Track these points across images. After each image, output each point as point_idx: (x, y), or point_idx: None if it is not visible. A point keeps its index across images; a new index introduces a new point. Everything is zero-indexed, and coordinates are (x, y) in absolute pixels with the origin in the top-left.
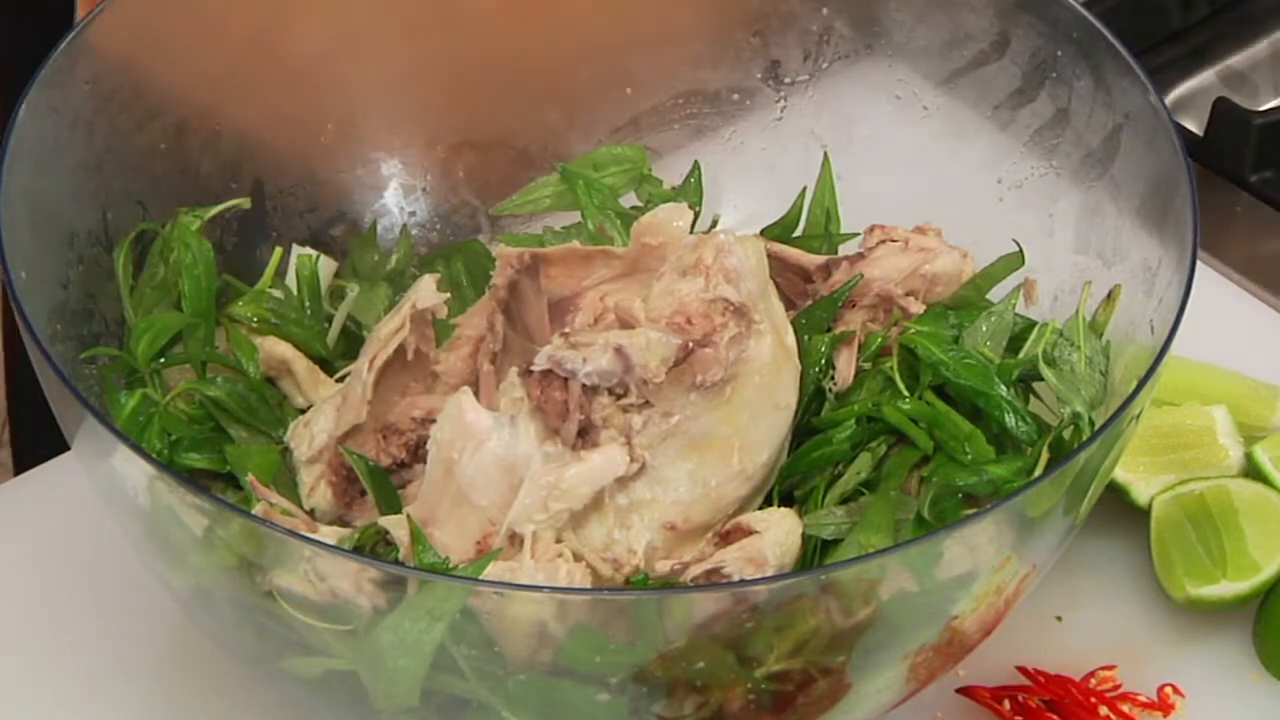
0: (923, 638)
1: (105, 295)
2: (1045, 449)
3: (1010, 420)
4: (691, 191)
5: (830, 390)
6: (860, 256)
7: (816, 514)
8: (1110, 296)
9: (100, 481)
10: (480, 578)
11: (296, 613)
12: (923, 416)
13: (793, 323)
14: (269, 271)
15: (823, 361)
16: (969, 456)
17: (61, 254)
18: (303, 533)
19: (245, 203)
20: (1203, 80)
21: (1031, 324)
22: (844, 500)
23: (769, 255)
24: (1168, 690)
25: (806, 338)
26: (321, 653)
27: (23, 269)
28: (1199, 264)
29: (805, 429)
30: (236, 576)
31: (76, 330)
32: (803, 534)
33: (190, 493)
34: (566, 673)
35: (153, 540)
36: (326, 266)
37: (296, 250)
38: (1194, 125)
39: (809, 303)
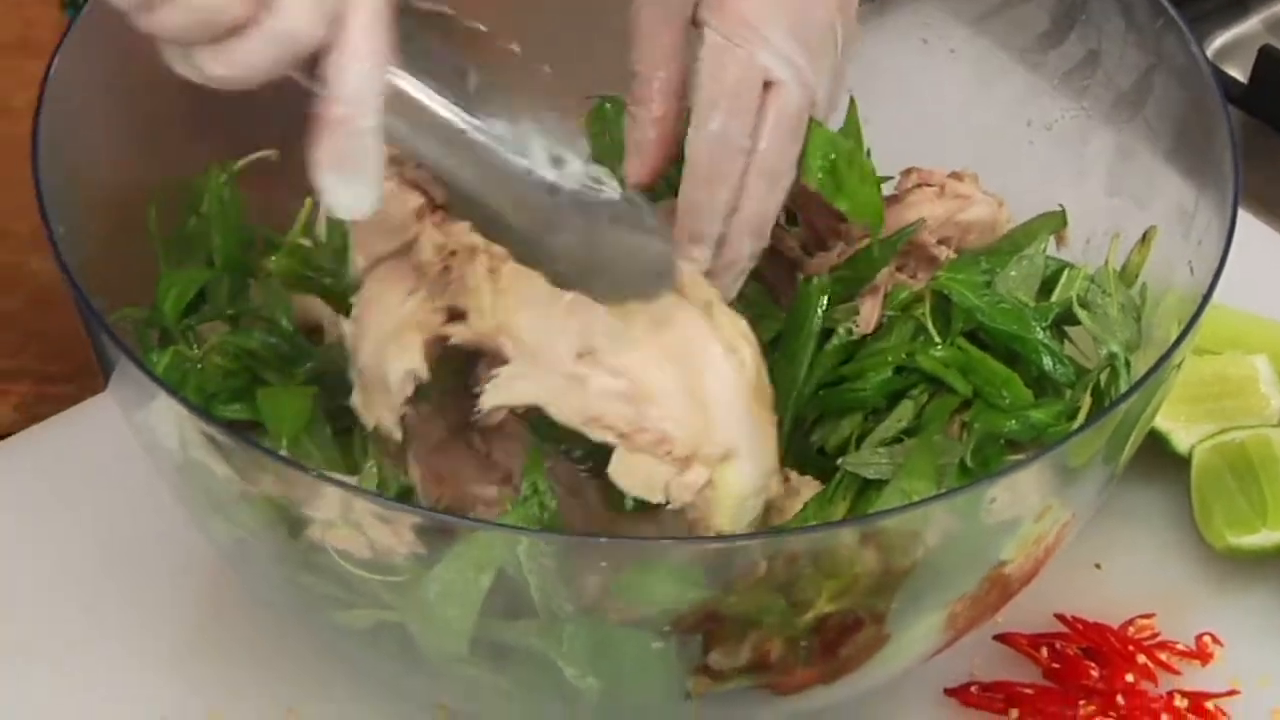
0: (963, 587)
1: (140, 249)
2: (1088, 394)
3: (1048, 363)
4: None
5: (851, 334)
6: (895, 199)
7: (858, 454)
8: (1145, 239)
9: (141, 433)
10: (517, 525)
11: (344, 563)
12: (957, 363)
13: (854, 257)
14: (300, 222)
15: (821, 306)
16: (1007, 401)
17: (97, 208)
18: (338, 477)
19: (273, 154)
20: (1248, 28)
21: (1062, 267)
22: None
23: (801, 192)
24: (1206, 639)
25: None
26: (369, 604)
27: (61, 224)
28: (1244, 212)
29: (832, 381)
30: (278, 528)
31: (113, 284)
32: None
33: (230, 439)
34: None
35: (194, 493)
36: None
37: None
38: (1239, 73)
39: (840, 243)
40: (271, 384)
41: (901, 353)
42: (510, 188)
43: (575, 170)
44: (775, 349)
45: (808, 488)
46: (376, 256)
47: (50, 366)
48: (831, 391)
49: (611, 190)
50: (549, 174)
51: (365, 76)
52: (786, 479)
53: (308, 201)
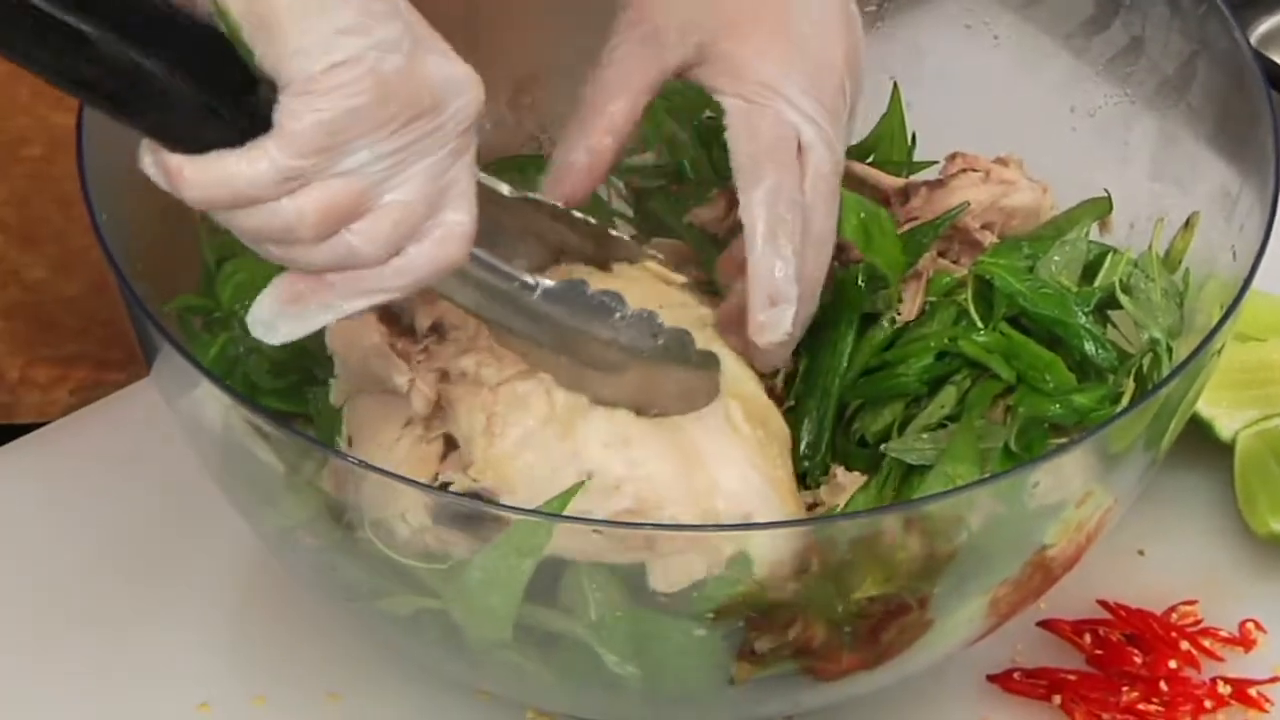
0: (1006, 572)
1: (184, 236)
2: (1130, 378)
3: (1090, 348)
4: None
5: (894, 320)
6: (940, 183)
7: (902, 440)
8: (1188, 224)
9: (184, 420)
10: (564, 514)
11: (389, 552)
12: (1000, 348)
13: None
14: None
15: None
16: (1050, 385)
17: (141, 196)
18: (392, 471)
19: None
20: None
21: (1105, 252)
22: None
23: (847, 175)
24: (1249, 625)
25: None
26: (412, 591)
27: (105, 210)
28: None
29: (873, 371)
30: (322, 517)
31: (156, 271)
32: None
33: (278, 429)
34: (661, 606)
35: (237, 480)
36: None
37: None
38: None
39: None
40: (319, 375)
41: (944, 338)
42: (570, 336)
43: (626, 311)
44: (815, 335)
45: (853, 483)
46: (358, 389)
47: (109, 352)
48: (873, 377)
49: (661, 328)
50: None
51: (379, 293)
52: (833, 475)
53: None
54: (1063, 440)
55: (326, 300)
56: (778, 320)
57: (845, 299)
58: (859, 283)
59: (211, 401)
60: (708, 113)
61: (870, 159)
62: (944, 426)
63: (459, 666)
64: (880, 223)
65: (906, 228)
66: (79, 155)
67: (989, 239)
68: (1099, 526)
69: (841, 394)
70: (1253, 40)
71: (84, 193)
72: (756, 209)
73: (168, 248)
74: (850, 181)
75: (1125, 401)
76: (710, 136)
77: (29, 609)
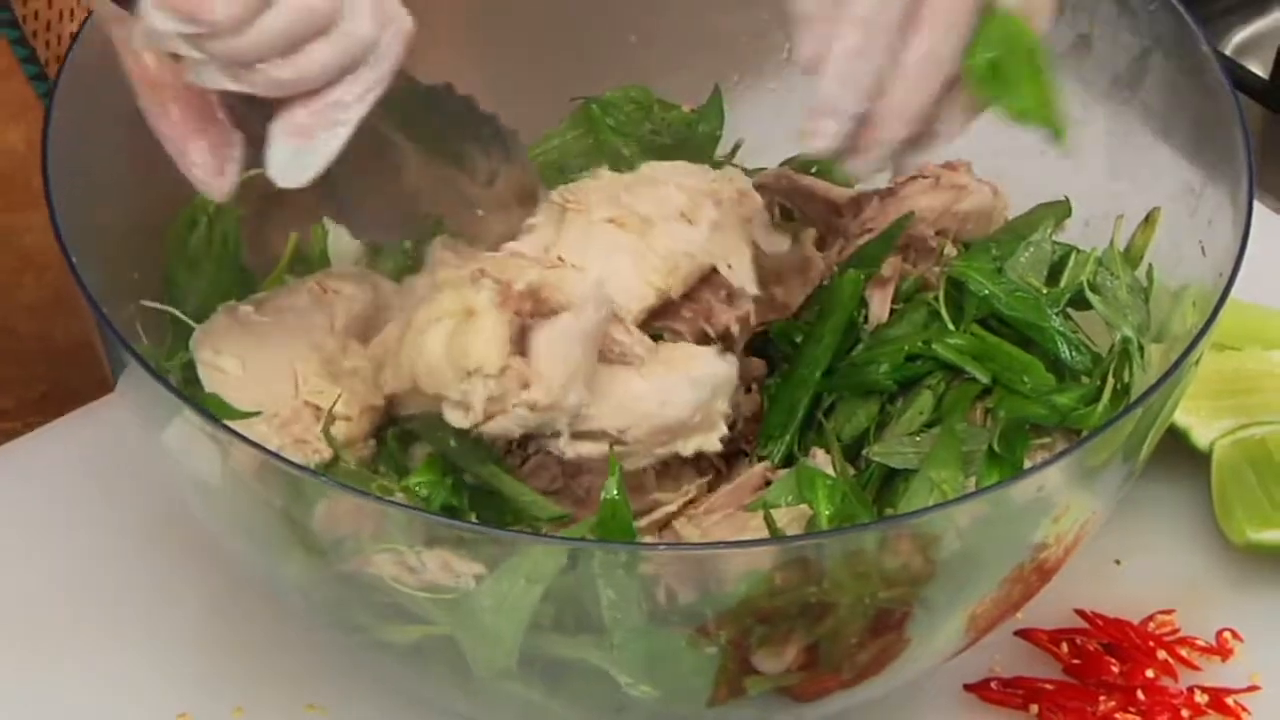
0: (986, 586)
1: (149, 265)
2: (1109, 375)
3: (1065, 351)
4: (712, 114)
5: (863, 327)
6: (891, 192)
7: (884, 444)
8: (1149, 219)
9: (169, 456)
10: (578, 538)
11: (395, 585)
12: (974, 350)
13: (857, 252)
14: (284, 260)
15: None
16: (1027, 386)
17: (108, 230)
18: (389, 498)
19: None
20: (1268, 23)
21: (1068, 251)
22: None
23: (795, 189)
24: (1226, 635)
25: (838, 274)
26: (416, 620)
27: (76, 245)
28: (1265, 209)
29: (844, 368)
30: (319, 555)
31: (125, 303)
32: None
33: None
34: (669, 622)
35: (220, 512)
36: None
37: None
38: (1259, 68)
39: (839, 239)
40: None
41: (917, 340)
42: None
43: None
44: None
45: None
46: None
47: (2, 401)
48: (843, 374)
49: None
50: None
51: (373, 90)
52: (813, 455)
53: (292, 238)
54: (1045, 440)
55: (330, 119)
56: (818, 129)
57: (836, 303)
58: (853, 289)
59: (200, 441)
60: (650, 126)
61: (815, 170)
62: (925, 431)
63: (461, 699)
64: (1023, 60)
65: (862, 240)
66: (48, 196)
67: (943, 244)
68: (1078, 538)
69: (815, 390)
70: (1229, 49)
71: (56, 234)
72: (846, 25)
73: (133, 280)
74: (798, 195)
75: (1106, 399)
76: (660, 155)
77: (8, 621)
